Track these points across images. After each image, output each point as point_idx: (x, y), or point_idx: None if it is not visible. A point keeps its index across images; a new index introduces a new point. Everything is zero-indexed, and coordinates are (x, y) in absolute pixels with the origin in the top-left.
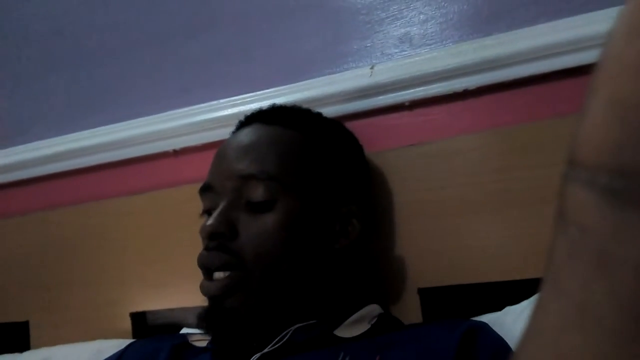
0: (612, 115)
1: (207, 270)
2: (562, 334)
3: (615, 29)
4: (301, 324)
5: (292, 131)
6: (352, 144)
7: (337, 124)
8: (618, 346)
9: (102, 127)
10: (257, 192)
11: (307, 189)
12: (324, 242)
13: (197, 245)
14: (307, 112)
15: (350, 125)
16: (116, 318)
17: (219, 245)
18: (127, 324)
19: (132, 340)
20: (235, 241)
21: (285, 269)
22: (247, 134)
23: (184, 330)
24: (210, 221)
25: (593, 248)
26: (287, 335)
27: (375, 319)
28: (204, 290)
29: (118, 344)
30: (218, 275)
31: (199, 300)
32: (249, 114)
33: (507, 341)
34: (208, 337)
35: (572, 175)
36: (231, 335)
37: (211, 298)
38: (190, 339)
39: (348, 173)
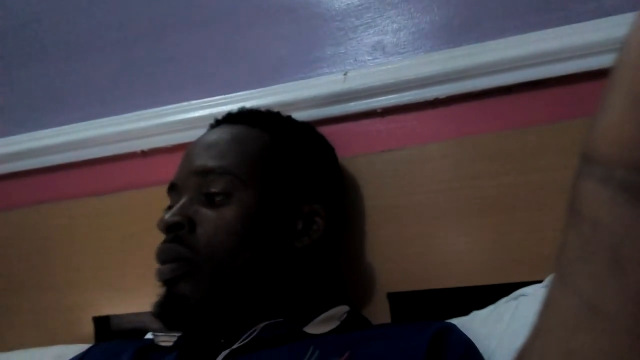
0: (630, 111)
1: (162, 263)
2: (573, 332)
3: (634, 28)
4: (269, 322)
5: (257, 130)
6: (321, 146)
7: (306, 126)
8: (630, 344)
9: (69, 125)
10: (214, 185)
11: (267, 186)
12: (283, 239)
13: None
14: (277, 114)
15: (322, 130)
16: (78, 322)
17: (175, 238)
18: (90, 328)
19: (92, 345)
20: (192, 234)
21: (239, 262)
22: (212, 134)
23: (149, 336)
24: (167, 214)
25: (606, 244)
26: (255, 332)
27: (345, 315)
28: (157, 275)
29: (79, 349)
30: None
31: None
32: (219, 116)
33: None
34: (175, 337)
35: (586, 172)
36: (184, 325)
37: (164, 283)
38: (157, 339)
39: (314, 173)
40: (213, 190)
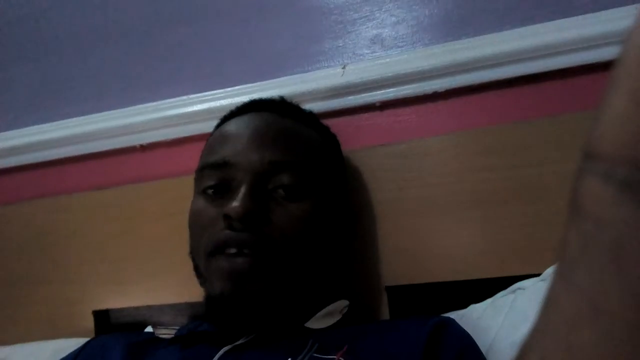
0: (632, 108)
1: (235, 252)
2: (575, 329)
3: (636, 23)
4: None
5: (312, 130)
6: (339, 147)
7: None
8: (632, 342)
9: (67, 120)
10: (290, 180)
11: (326, 186)
12: (331, 238)
13: (162, 242)
14: (311, 113)
15: None
16: (78, 316)
17: (250, 227)
18: (90, 322)
19: (90, 338)
20: (268, 226)
21: (306, 260)
22: (268, 122)
23: (149, 329)
24: (239, 202)
25: (608, 242)
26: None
27: (346, 308)
28: (227, 268)
29: (78, 343)
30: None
31: (164, 298)
32: (255, 99)
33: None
34: (174, 329)
35: (588, 168)
36: (242, 323)
37: (233, 276)
38: (157, 332)
39: (342, 175)
40: (288, 183)
